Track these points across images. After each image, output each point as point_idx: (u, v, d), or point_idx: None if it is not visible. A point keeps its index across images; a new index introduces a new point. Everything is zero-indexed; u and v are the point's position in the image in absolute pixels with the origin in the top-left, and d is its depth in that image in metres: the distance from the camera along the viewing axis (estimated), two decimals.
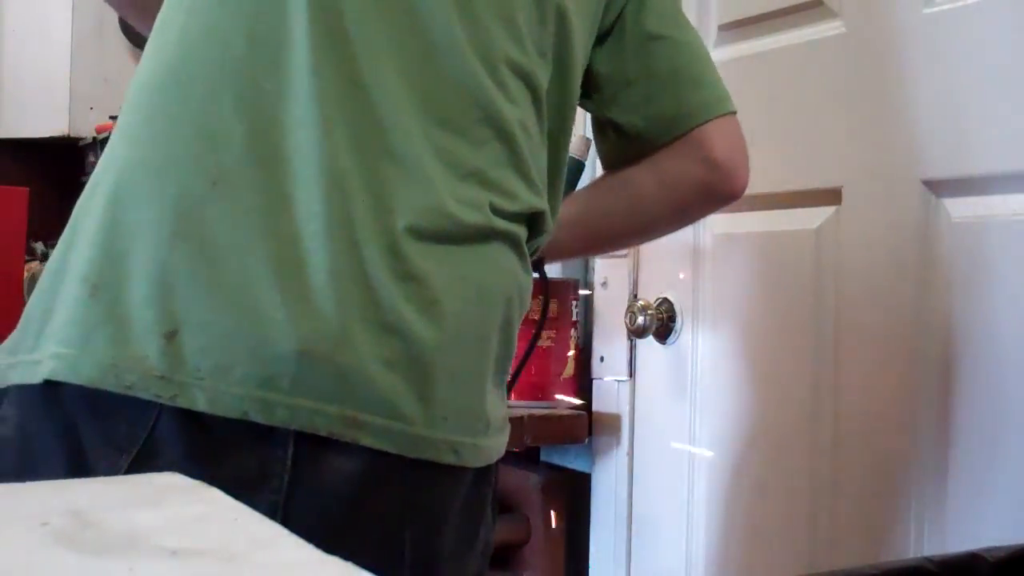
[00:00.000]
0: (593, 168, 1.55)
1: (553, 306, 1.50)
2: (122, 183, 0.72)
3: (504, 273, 0.79)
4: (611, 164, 0.99)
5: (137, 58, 2.64)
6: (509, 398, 1.49)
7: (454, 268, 0.74)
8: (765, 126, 1.29)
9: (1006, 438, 1.01)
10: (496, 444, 0.80)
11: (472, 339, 0.75)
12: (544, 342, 1.49)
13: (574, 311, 1.52)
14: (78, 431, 0.68)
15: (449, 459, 0.73)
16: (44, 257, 2.74)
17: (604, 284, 1.53)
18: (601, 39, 0.93)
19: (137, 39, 2.49)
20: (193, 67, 0.74)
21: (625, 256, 1.49)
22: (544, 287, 1.01)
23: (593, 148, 1.57)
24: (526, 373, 1.49)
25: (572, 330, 1.51)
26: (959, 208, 1.07)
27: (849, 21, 1.20)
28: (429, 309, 0.72)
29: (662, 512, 1.44)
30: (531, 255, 0.84)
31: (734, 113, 0.97)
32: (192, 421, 0.67)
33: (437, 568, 0.75)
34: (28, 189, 1.51)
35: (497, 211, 0.78)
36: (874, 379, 1.14)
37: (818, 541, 1.20)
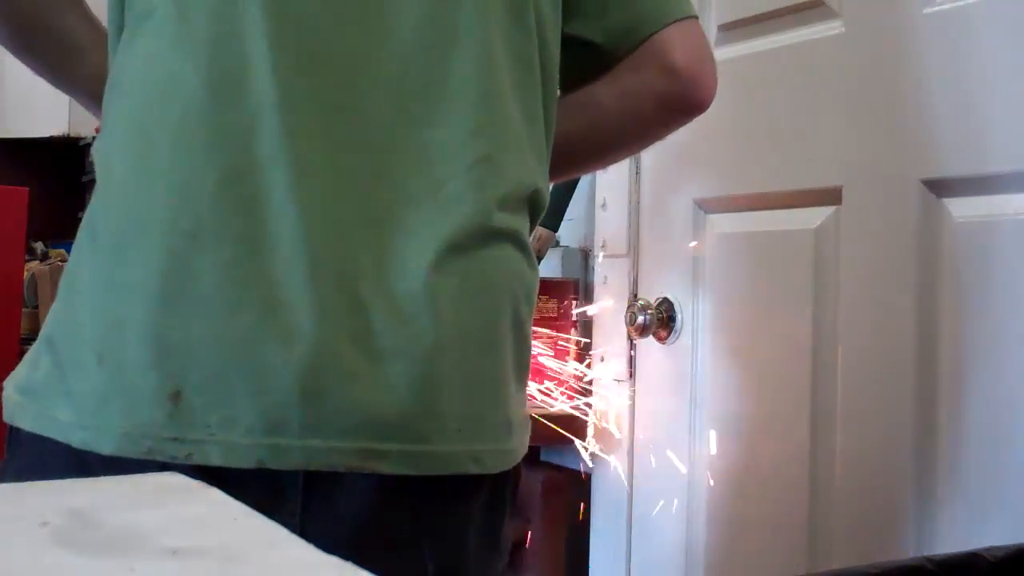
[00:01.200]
0: None
1: (553, 306, 1.50)
2: (109, 243, 0.72)
3: (508, 273, 0.77)
4: (571, 85, 0.93)
5: None
6: None
7: (453, 278, 0.73)
8: (765, 126, 1.29)
9: (1006, 438, 1.01)
10: (520, 444, 0.79)
11: (481, 346, 0.74)
12: (544, 342, 1.49)
13: (574, 311, 1.52)
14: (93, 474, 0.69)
15: (472, 469, 0.72)
16: (44, 257, 2.74)
17: (604, 284, 1.53)
18: None
19: None
20: (157, 119, 0.72)
21: (625, 256, 1.49)
22: None
23: None
24: None
25: (572, 330, 1.52)
26: (959, 208, 1.07)
27: (849, 21, 1.20)
28: (429, 325, 0.71)
29: (662, 512, 1.44)
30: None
31: (695, 18, 0.91)
32: (206, 472, 0.67)
33: (462, 570, 0.75)
34: (28, 189, 1.51)
35: (498, 204, 0.76)
36: (874, 378, 1.14)
37: (818, 541, 1.20)
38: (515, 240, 0.78)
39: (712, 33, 1.37)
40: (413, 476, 0.70)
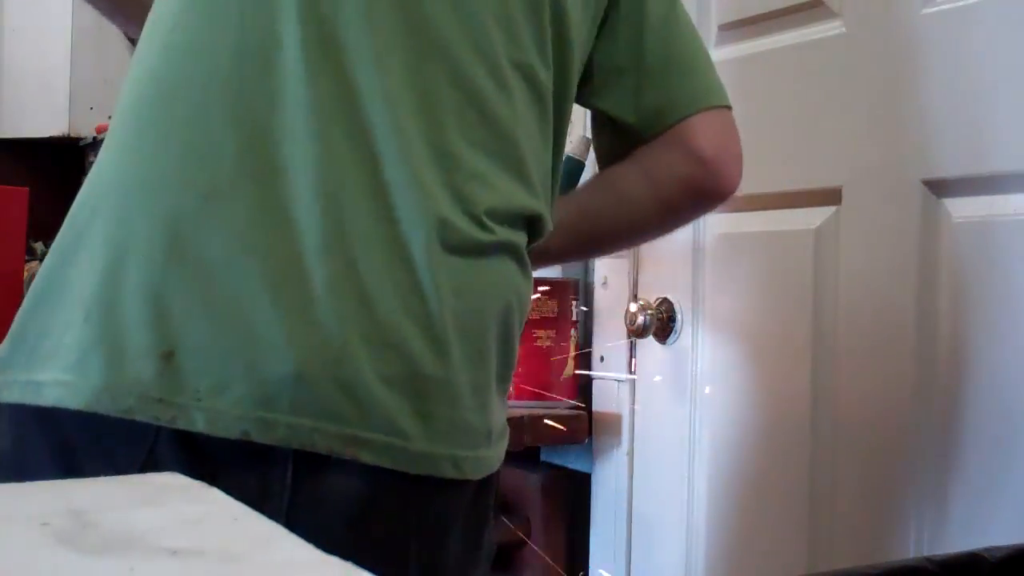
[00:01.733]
0: (593, 169, 1.55)
1: (553, 306, 1.50)
2: (113, 201, 0.71)
3: (503, 285, 0.77)
4: (604, 160, 0.96)
5: None
6: (509, 398, 1.49)
7: (454, 280, 0.73)
8: (765, 126, 1.29)
9: (1006, 438, 1.01)
10: (498, 452, 0.79)
11: (472, 353, 0.74)
12: (544, 342, 1.49)
13: (574, 311, 1.52)
14: (76, 454, 0.68)
15: (450, 473, 0.72)
16: (44, 257, 2.74)
17: (604, 284, 1.53)
18: (597, 26, 0.91)
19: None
20: (180, 82, 0.73)
21: (625, 256, 1.49)
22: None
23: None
24: (527, 373, 1.50)
25: (572, 330, 1.51)
26: (959, 208, 1.07)
27: (849, 21, 1.20)
28: (429, 324, 0.71)
29: (662, 512, 1.44)
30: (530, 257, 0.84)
31: (728, 107, 0.93)
32: (189, 443, 0.67)
33: (444, 574, 0.75)
34: (28, 189, 1.51)
35: (497, 217, 0.76)
36: (874, 379, 1.14)
37: (818, 541, 1.20)
38: (514, 252, 0.79)
39: (712, 33, 1.37)
40: (400, 473, 0.70)
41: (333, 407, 0.68)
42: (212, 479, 0.66)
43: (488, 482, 0.79)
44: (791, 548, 1.23)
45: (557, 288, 1.51)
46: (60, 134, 2.44)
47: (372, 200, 0.71)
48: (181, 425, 0.66)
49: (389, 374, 0.69)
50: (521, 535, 1.55)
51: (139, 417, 0.66)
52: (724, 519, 1.34)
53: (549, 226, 0.84)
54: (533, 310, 1.48)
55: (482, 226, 0.75)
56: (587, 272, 1.60)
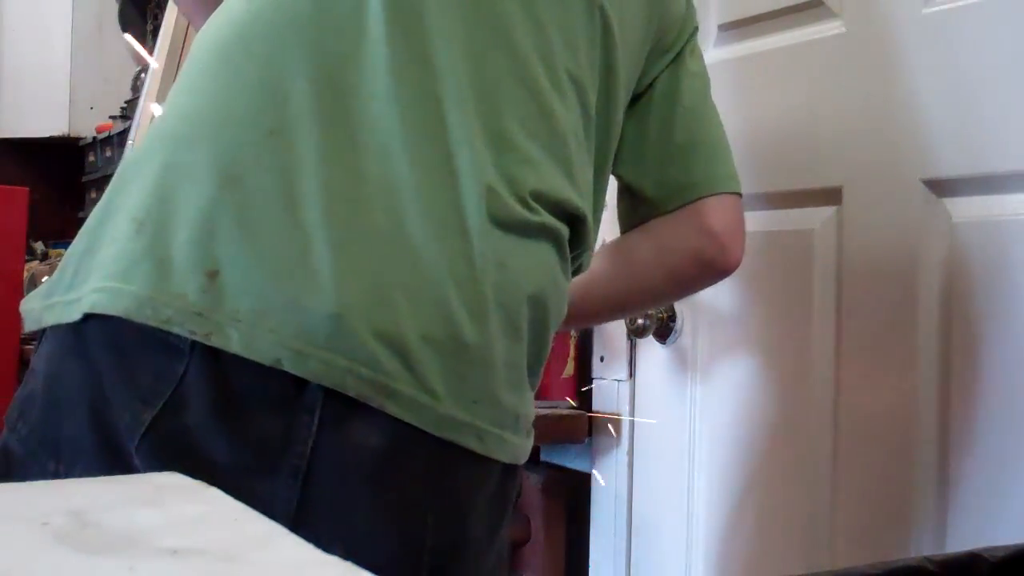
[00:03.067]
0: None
1: None
2: (179, 128, 0.73)
3: (541, 268, 0.79)
4: (623, 226, 1.02)
5: (138, 58, 2.65)
6: None
7: (498, 253, 0.74)
8: (765, 126, 1.29)
9: (1006, 438, 1.01)
10: (524, 444, 0.79)
11: (507, 328, 0.75)
12: None
13: None
14: (103, 383, 0.68)
15: (472, 444, 0.72)
16: (44, 257, 2.74)
17: None
18: (632, 100, 0.96)
19: (137, 32, 2.49)
20: (259, 26, 0.75)
21: None
22: None
23: None
24: None
25: (572, 330, 1.52)
26: (959, 208, 1.07)
27: (849, 21, 1.20)
28: (472, 290, 0.72)
29: (662, 512, 1.44)
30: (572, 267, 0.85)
31: (739, 195, 1.00)
32: (221, 376, 0.67)
33: (459, 557, 0.75)
34: (28, 189, 1.51)
35: (542, 201, 0.78)
36: (874, 379, 1.14)
37: (818, 541, 1.20)
38: (557, 241, 0.80)
39: (712, 33, 1.37)
40: (424, 434, 0.70)
41: (368, 352, 0.68)
42: (239, 417, 0.67)
43: (512, 474, 0.79)
44: (791, 548, 1.23)
45: None
46: (60, 134, 2.44)
47: (434, 163, 0.73)
48: (215, 342, 0.66)
49: (427, 331, 0.70)
50: (521, 535, 1.55)
51: (176, 329, 0.66)
52: (724, 519, 1.34)
53: (592, 237, 0.87)
54: None
55: (527, 206, 0.77)
56: None
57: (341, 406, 0.68)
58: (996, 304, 1.03)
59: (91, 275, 0.70)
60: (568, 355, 1.51)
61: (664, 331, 1.42)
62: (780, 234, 1.27)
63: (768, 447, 1.27)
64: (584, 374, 1.55)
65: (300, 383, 0.68)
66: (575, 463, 1.59)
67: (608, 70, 0.88)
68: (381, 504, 0.70)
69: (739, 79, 1.33)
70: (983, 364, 1.04)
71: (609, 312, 1.15)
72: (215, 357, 0.67)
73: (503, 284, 0.74)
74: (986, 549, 0.63)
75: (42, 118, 2.35)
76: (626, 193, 1.00)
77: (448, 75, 0.75)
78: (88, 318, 0.68)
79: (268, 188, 0.69)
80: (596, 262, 1.01)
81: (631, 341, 1.48)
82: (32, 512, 0.37)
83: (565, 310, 0.83)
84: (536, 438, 1.43)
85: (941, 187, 1.09)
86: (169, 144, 0.72)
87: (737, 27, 1.34)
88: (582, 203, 0.83)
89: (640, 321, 1.40)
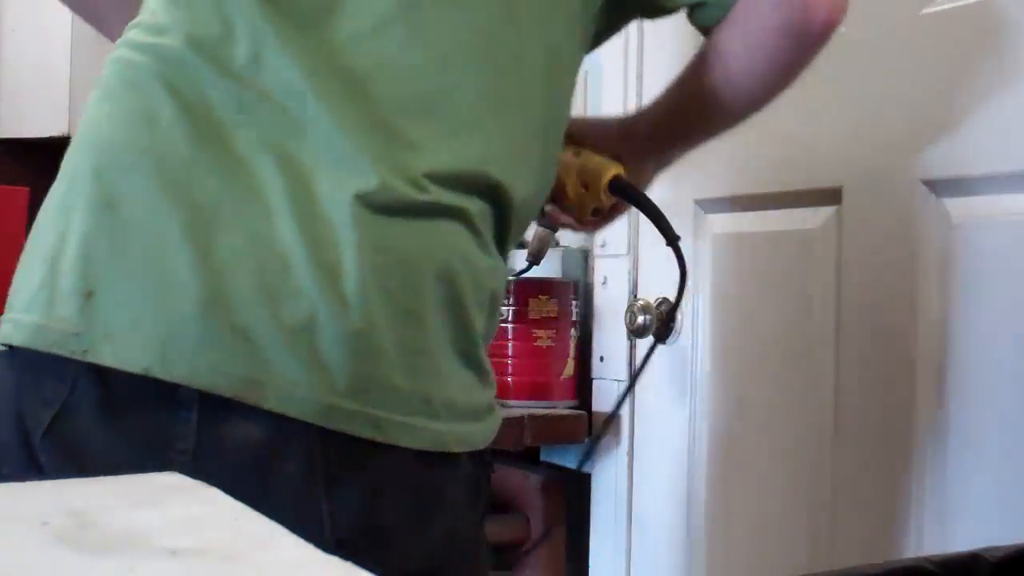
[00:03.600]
0: None
1: (553, 306, 1.50)
2: (69, 164, 0.78)
3: (441, 246, 0.77)
4: (703, 32, 0.95)
5: None
6: (509, 397, 1.50)
7: (377, 238, 0.73)
8: (765, 126, 1.29)
9: (1006, 438, 1.01)
10: (456, 429, 0.77)
11: (397, 311, 0.74)
12: (544, 342, 1.49)
13: (574, 311, 1.52)
14: (22, 395, 0.74)
15: (367, 432, 0.72)
16: None
17: (604, 284, 1.53)
18: None
19: None
20: (138, 56, 0.78)
21: (625, 256, 1.49)
22: (649, 211, 0.98)
23: None
24: (527, 373, 1.50)
25: (572, 330, 1.52)
26: (959, 208, 1.07)
27: (849, 21, 1.20)
28: (342, 277, 0.72)
29: (662, 512, 1.44)
30: (538, 219, 0.84)
31: None
32: (105, 381, 0.71)
33: (372, 546, 0.74)
34: (28, 189, 1.51)
35: (437, 180, 0.76)
36: (874, 379, 1.14)
37: (818, 541, 1.20)
38: (464, 219, 0.78)
39: None
40: (305, 430, 0.70)
41: (235, 350, 0.69)
42: (123, 417, 0.70)
43: (447, 462, 0.77)
44: (791, 548, 1.23)
45: (557, 288, 1.51)
46: (60, 134, 2.43)
47: (297, 159, 0.73)
48: (91, 358, 0.70)
49: (297, 323, 0.70)
50: (521, 535, 1.55)
51: (58, 351, 0.71)
52: (724, 519, 1.34)
53: (528, 200, 0.84)
54: (533, 310, 1.49)
55: (417, 186, 0.75)
56: (587, 272, 1.60)
57: (218, 405, 0.70)
58: (996, 304, 1.03)
59: (11, 306, 0.76)
60: (568, 355, 1.51)
61: (664, 331, 1.42)
62: (780, 234, 1.27)
63: (768, 447, 1.27)
64: (584, 374, 1.55)
65: (176, 385, 0.70)
66: (575, 463, 1.59)
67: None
68: (270, 496, 0.70)
69: None
70: (983, 364, 1.04)
71: (729, 116, 1.04)
72: (98, 368, 0.71)
73: (386, 268, 0.73)
74: (986, 549, 0.63)
75: (42, 118, 2.34)
76: (691, 17, 0.93)
77: (311, 74, 0.75)
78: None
79: (139, 206, 0.72)
80: (679, 78, 0.98)
81: (631, 341, 1.48)
82: (32, 512, 0.37)
83: (489, 285, 0.81)
84: (536, 438, 1.45)
85: (941, 187, 1.09)
86: (64, 177, 0.77)
87: None
88: (494, 169, 0.80)
89: (640, 321, 1.40)
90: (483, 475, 0.84)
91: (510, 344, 1.49)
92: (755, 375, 1.30)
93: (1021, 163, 1.01)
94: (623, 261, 1.50)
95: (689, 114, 0.99)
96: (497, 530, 1.55)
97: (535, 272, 1.57)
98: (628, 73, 1.50)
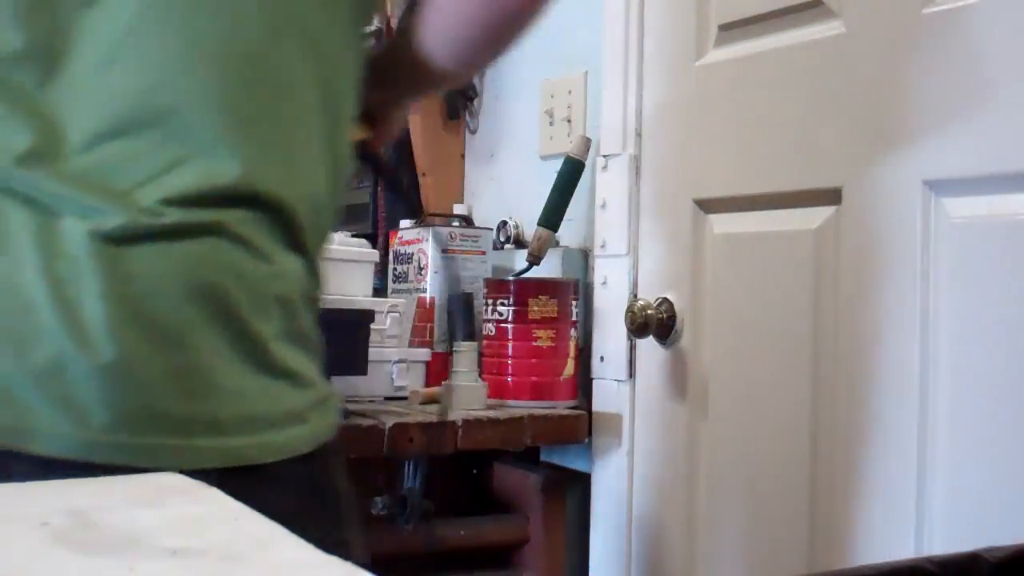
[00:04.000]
0: (592, 170, 1.55)
1: (553, 306, 1.50)
2: None
3: (199, 265, 0.75)
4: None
5: None
6: (509, 398, 1.49)
7: (119, 269, 0.72)
8: (765, 126, 1.29)
9: (1006, 438, 1.01)
10: (268, 440, 0.75)
11: (156, 337, 0.73)
12: (544, 342, 1.49)
13: (574, 311, 1.52)
14: None
15: (141, 461, 0.70)
16: None
17: (604, 284, 1.53)
18: None
19: None
20: None
21: (625, 256, 1.49)
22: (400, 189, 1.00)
23: (593, 148, 1.57)
24: (527, 373, 1.50)
25: (572, 330, 1.52)
26: (959, 208, 1.07)
27: (849, 21, 1.20)
28: (82, 314, 0.71)
29: (662, 512, 1.44)
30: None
31: None
32: None
33: None
34: None
35: (175, 202, 0.74)
36: (874, 379, 1.14)
37: (818, 541, 1.20)
38: (223, 233, 0.76)
39: (712, 33, 1.37)
40: (81, 464, 0.69)
41: None
42: None
43: (268, 477, 0.75)
44: (791, 548, 1.23)
45: (557, 288, 1.51)
46: None
47: (30, 199, 0.72)
48: None
49: (40, 365, 0.70)
50: (521, 535, 1.55)
51: None
52: (724, 519, 1.34)
53: (289, 197, 0.80)
54: (533, 310, 1.49)
55: (152, 213, 0.74)
56: (587, 272, 1.60)
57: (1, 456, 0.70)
58: (996, 304, 1.03)
59: None
60: (568, 355, 1.51)
61: (664, 331, 1.42)
62: (780, 234, 1.27)
63: (768, 447, 1.27)
64: (584, 374, 1.55)
65: None
66: (575, 463, 1.59)
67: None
68: None
69: (739, 79, 1.33)
70: (983, 364, 1.04)
71: (470, 57, 1.00)
72: None
73: (134, 297, 0.72)
74: (986, 549, 0.63)
75: None
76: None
77: (54, 100, 0.74)
78: None
79: None
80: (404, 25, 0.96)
81: (631, 341, 1.48)
82: (32, 512, 0.37)
83: (274, 289, 0.78)
84: (536, 438, 1.45)
85: (941, 187, 1.09)
86: None
87: (737, 27, 1.34)
88: (260, 179, 0.78)
89: (640, 321, 1.40)
90: (325, 474, 0.81)
91: (510, 344, 1.49)
92: (755, 375, 1.30)
93: (1021, 163, 1.01)
94: (623, 261, 1.50)
95: (415, 64, 0.96)
96: (497, 530, 1.55)
97: (535, 272, 1.57)
98: (628, 73, 1.50)
